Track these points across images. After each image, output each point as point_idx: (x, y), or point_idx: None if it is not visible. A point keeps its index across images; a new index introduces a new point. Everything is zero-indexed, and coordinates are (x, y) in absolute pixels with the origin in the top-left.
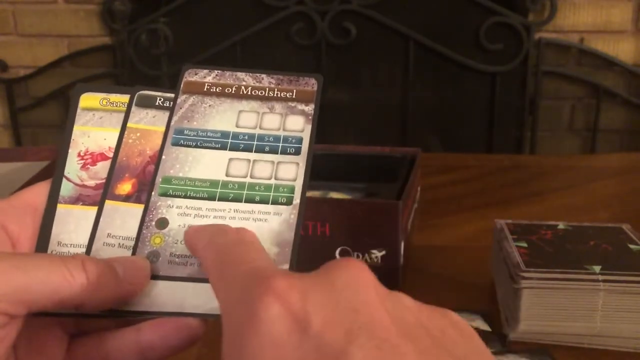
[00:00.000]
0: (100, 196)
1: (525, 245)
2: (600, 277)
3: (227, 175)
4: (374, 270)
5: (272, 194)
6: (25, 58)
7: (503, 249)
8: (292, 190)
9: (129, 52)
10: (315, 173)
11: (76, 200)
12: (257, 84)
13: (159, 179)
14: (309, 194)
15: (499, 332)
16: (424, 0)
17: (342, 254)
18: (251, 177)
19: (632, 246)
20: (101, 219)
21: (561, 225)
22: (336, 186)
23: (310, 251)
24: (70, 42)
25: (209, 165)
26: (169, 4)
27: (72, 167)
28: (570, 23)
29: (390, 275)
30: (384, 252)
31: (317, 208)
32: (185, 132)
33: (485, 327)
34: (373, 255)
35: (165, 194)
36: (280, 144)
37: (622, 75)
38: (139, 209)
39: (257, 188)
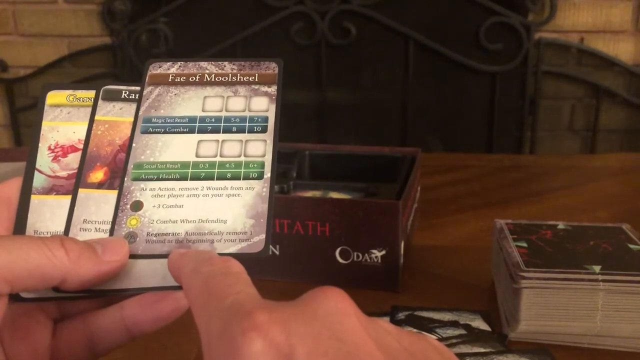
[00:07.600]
0: (73, 185)
1: (525, 245)
2: (600, 277)
3: (197, 156)
4: (374, 270)
5: (242, 170)
6: (25, 58)
7: (503, 249)
8: (262, 165)
9: (129, 52)
10: (315, 173)
11: (49, 190)
12: (220, 71)
13: (130, 166)
14: (309, 194)
15: (499, 332)
16: (424, 0)
17: (342, 254)
18: (221, 156)
19: (632, 246)
20: (76, 206)
21: (561, 225)
22: (336, 186)
23: (310, 251)
24: (70, 42)
25: (178, 148)
26: (169, 4)
27: (43, 160)
28: (570, 23)
29: (390, 275)
30: (384, 252)
31: (317, 208)
32: (154, 120)
33: (485, 327)
34: (373, 255)
35: (137, 179)
36: (247, 124)
37: (622, 75)
38: (112, 194)
39: (227, 165)
